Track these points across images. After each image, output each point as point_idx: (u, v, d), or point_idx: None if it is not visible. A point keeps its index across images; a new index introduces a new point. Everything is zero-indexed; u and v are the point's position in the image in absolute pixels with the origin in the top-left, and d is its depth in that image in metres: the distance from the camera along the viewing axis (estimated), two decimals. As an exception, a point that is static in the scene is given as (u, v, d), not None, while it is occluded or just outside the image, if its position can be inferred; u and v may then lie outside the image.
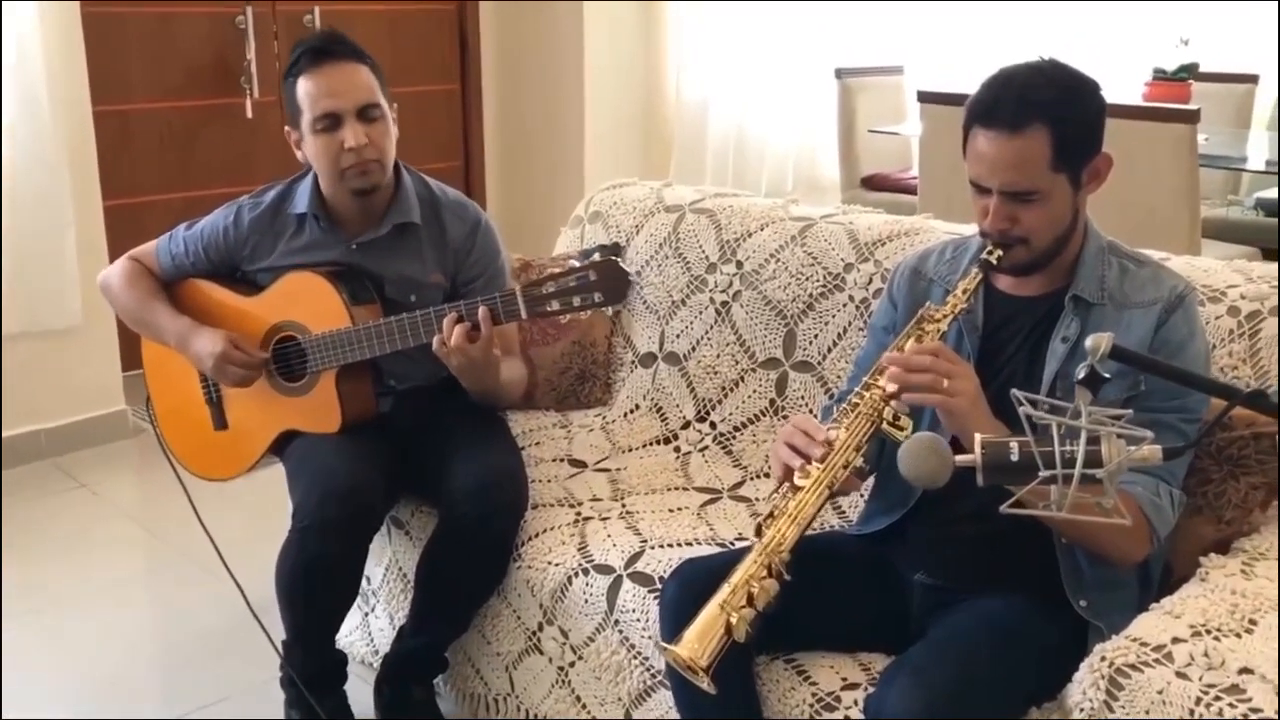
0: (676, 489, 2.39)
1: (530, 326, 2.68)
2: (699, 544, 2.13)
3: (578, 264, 2.03)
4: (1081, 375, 1.25)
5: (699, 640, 1.48)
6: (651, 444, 2.60)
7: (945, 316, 1.72)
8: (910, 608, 1.86)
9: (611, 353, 2.81)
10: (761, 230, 2.64)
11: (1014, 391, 1.30)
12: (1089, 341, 1.28)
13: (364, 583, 2.56)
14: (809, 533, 2.14)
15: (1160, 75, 4.50)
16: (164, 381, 2.46)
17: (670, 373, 2.68)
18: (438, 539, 2.21)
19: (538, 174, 5.00)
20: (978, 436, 1.30)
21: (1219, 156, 4.28)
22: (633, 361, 2.76)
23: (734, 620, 1.49)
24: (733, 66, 5.19)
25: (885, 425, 1.64)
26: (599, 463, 2.51)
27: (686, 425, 2.62)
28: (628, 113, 4.99)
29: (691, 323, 2.67)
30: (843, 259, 2.48)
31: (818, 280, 2.50)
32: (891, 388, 1.63)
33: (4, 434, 3.58)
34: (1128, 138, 3.80)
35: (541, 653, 2.20)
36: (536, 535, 2.21)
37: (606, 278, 2.00)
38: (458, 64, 5.00)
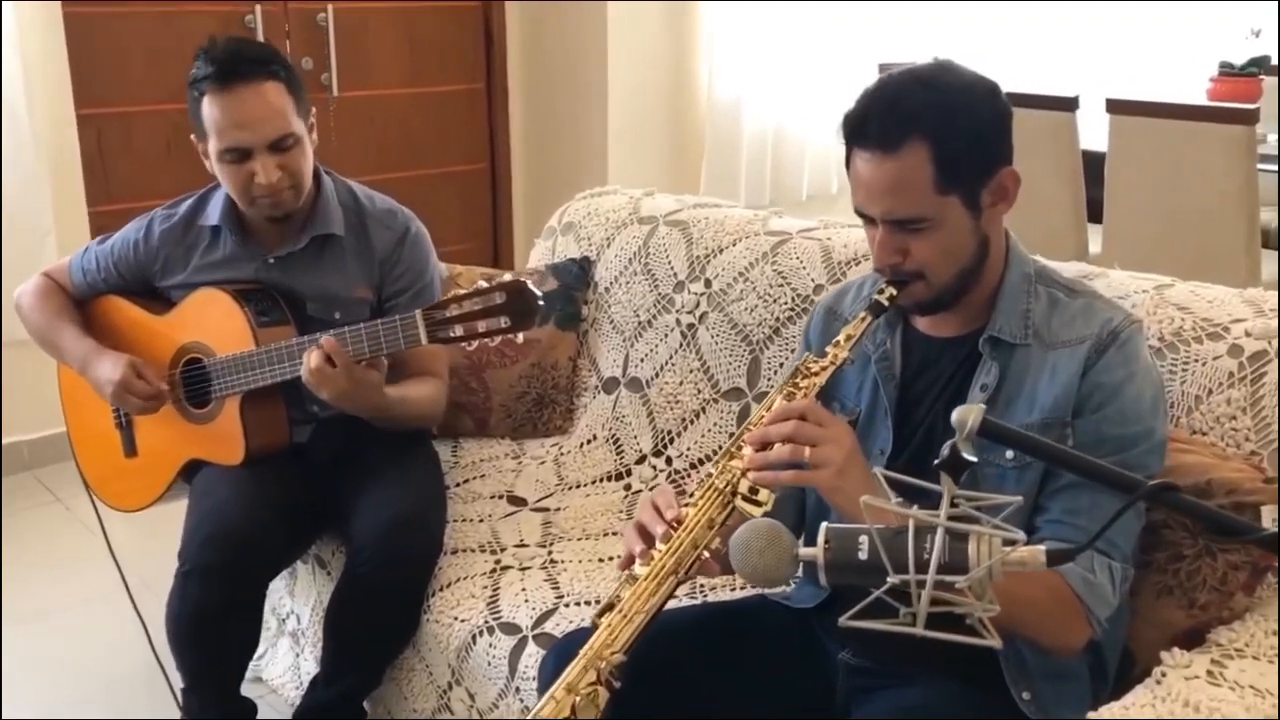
0: (614, 534, 2.16)
1: (488, 345, 2.49)
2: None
3: (485, 285, 1.83)
4: (940, 457, 1.00)
5: None
6: (601, 480, 2.38)
7: (825, 369, 1.46)
8: (834, 690, 1.62)
9: (576, 376, 2.59)
10: (734, 245, 2.40)
11: (876, 470, 1.07)
12: (955, 415, 1.01)
13: (294, 622, 2.40)
14: (735, 595, 1.92)
15: (1227, 70, 4.11)
16: (79, 404, 2.31)
17: (631, 400, 2.45)
18: (343, 586, 2.02)
19: (567, 176, 4.78)
20: (823, 526, 1.07)
21: (1292, 158, 3.90)
22: (596, 386, 2.54)
23: None
24: (769, 62, 4.89)
25: (740, 500, 1.39)
26: (540, 501, 2.30)
27: (642, 460, 2.39)
28: (657, 112, 4.74)
29: (656, 346, 2.45)
30: (813, 279, 2.24)
31: (785, 302, 2.26)
32: (748, 458, 1.38)
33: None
34: (1176, 140, 3.46)
35: (452, 713, 2.00)
36: (449, 585, 2.01)
37: (514, 300, 1.81)
38: (483, 62, 4.80)
